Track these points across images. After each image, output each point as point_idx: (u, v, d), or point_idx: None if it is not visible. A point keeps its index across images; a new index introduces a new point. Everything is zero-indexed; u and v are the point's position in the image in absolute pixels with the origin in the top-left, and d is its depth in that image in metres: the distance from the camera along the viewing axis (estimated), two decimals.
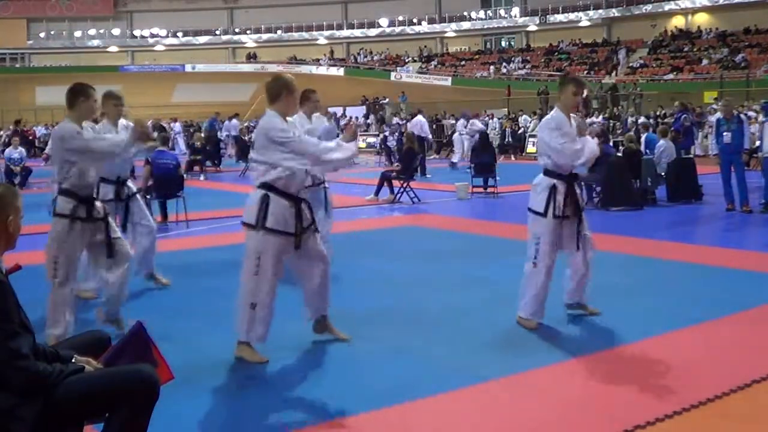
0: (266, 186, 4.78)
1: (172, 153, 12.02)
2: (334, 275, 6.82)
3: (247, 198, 4.92)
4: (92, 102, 5.40)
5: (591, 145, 5.53)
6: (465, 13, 53.85)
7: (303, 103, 7.06)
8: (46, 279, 5.13)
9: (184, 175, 13.05)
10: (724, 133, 11.50)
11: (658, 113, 27.34)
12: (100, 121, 6.35)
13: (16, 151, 17.88)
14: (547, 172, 5.58)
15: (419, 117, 20.27)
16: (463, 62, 50.79)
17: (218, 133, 24.05)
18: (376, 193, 13.71)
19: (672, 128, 18.18)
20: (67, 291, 5.16)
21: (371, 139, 31.06)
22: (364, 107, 39.68)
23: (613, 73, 41.69)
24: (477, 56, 51.36)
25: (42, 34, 59.88)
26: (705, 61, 38.00)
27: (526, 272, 5.60)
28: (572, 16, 48.65)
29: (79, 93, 5.32)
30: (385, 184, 13.72)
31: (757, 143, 12.38)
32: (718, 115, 13.13)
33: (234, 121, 27.38)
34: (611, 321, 5.63)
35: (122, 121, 6.45)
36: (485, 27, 53.27)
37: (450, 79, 48.10)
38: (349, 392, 4.31)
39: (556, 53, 47.06)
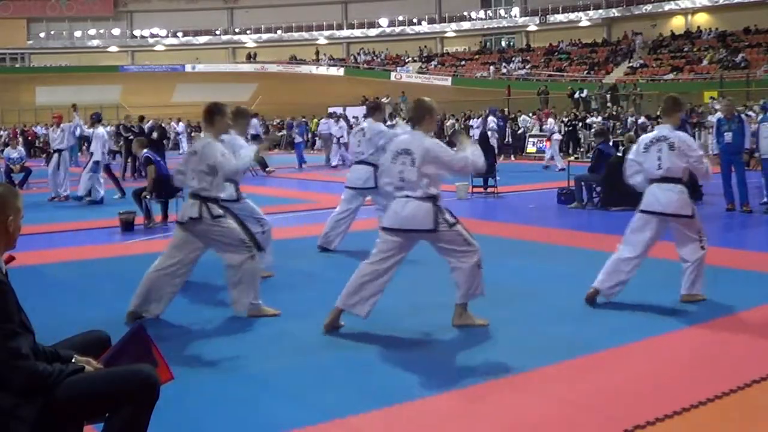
0: (433, 198, 5.40)
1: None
2: (334, 275, 6.84)
3: (406, 208, 5.38)
4: (227, 119, 5.99)
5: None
6: (465, 13, 53.86)
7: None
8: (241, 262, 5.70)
9: None
10: (725, 133, 11.49)
11: (658, 113, 27.31)
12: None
13: (15, 151, 17.88)
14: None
15: None
16: (463, 62, 50.79)
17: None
18: None
19: None
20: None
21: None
22: (364, 107, 39.67)
23: (627, 62, 41.82)
24: (477, 56, 51.36)
25: (42, 34, 59.89)
26: (705, 62, 38.04)
27: (699, 258, 6.12)
28: (572, 16, 48.65)
29: (216, 111, 5.83)
30: None
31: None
32: (719, 114, 13.12)
33: (254, 120, 27.31)
34: (611, 321, 5.63)
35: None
36: (485, 27, 53.27)
37: (450, 79, 48.11)
38: (349, 392, 4.31)
39: (556, 53, 47.06)
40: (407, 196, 5.38)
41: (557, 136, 22.03)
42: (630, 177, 6.45)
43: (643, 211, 6.24)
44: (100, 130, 14.65)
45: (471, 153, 5.49)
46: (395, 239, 5.49)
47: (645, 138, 6.41)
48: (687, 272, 6.14)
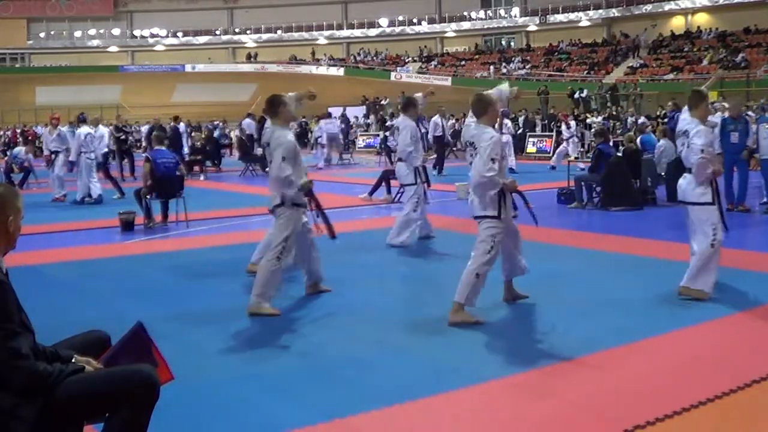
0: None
1: (172, 152, 12.04)
2: (334, 275, 6.85)
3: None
4: (290, 108, 6.32)
5: None
6: (465, 13, 53.86)
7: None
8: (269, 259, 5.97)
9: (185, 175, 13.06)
10: (731, 133, 11.48)
11: (658, 113, 27.33)
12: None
13: (25, 158, 17.85)
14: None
15: (436, 118, 20.19)
16: (462, 62, 50.80)
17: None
18: (371, 192, 13.69)
19: (667, 127, 18.14)
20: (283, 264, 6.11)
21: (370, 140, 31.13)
22: (364, 107, 39.68)
23: (632, 57, 41.82)
24: (477, 56, 51.36)
25: (42, 34, 59.90)
26: (705, 62, 38.04)
27: (705, 252, 6.10)
28: (572, 16, 48.65)
29: (279, 102, 6.22)
30: (383, 184, 13.71)
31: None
32: (719, 114, 13.11)
33: (248, 120, 27.40)
34: (611, 321, 5.63)
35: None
36: (485, 27, 53.28)
37: (450, 79, 48.09)
38: (350, 392, 4.31)
39: (556, 53, 47.06)
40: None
41: (575, 139, 22.02)
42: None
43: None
44: (84, 129, 14.73)
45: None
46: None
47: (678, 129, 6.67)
48: (691, 263, 6.21)
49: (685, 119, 6.38)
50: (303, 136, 30.03)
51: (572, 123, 24.19)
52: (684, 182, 6.33)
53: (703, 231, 6.16)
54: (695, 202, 6.22)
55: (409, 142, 8.84)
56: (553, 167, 20.04)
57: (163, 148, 11.33)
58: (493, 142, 5.58)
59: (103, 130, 15.78)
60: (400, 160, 9.12)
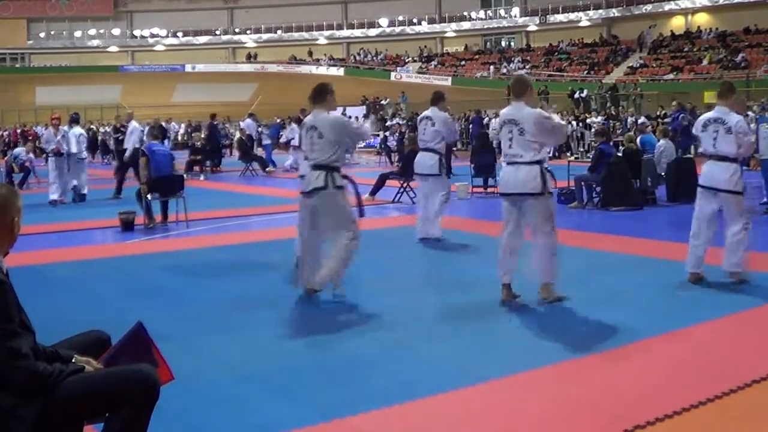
0: (539, 162, 5.99)
1: (165, 146, 12.46)
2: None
3: (516, 173, 5.99)
4: (334, 95, 6.55)
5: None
6: (465, 13, 53.85)
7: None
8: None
9: (184, 175, 13.07)
10: None
11: (658, 113, 27.34)
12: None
13: (27, 158, 17.77)
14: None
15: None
16: (462, 62, 50.79)
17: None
18: (372, 193, 13.70)
19: (670, 128, 18.13)
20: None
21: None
22: (364, 107, 39.69)
23: (638, 53, 41.86)
24: (477, 56, 51.36)
25: (42, 34, 59.88)
26: (705, 61, 38.04)
27: (739, 232, 6.58)
28: (572, 16, 48.64)
29: (326, 90, 6.48)
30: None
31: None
32: None
33: (249, 120, 27.49)
34: (611, 321, 5.63)
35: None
36: (485, 27, 53.27)
37: (450, 79, 48.07)
38: (350, 392, 4.31)
39: (556, 53, 47.06)
40: (516, 163, 5.97)
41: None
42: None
43: (701, 186, 6.70)
44: (77, 130, 14.73)
45: (558, 120, 6.29)
46: (505, 202, 6.17)
47: (702, 118, 6.93)
48: (726, 248, 6.57)
49: (719, 110, 6.62)
50: None
51: (572, 123, 24.24)
52: (717, 170, 6.53)
53: (735, 218, 6.56)
54: (731, 190, 6.50)
55: (455, 130, 9.31)
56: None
57: (157, 142, 11.59)
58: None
59: (136, 125, 15.43)
60: (428, 150, 9.19)
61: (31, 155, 18.11)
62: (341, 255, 6.27)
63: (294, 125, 24.07)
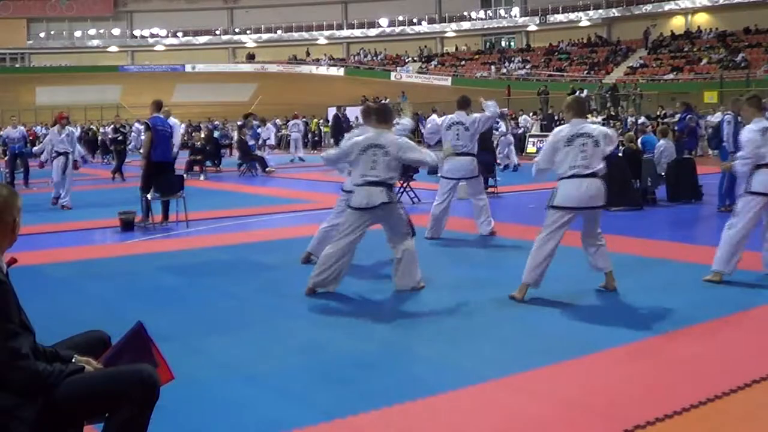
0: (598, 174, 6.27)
1: (171, 122, 12.69)
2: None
3: (585, 186, 6.17)
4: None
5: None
6: (465, 13, 53.87)
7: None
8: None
9: (184, 175, 13.06)
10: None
11: (658, 113, 27.33)
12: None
13: (16, 131, 16.98)
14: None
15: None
16: (463, 62, 50.80)
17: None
18: None
19: (676, 128, 18.07)
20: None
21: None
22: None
23: (646, 45, 41.79)
24: (477, 56, 51.37)
25: (42, 34, 59.91)
26: (704, 61, 38.03)
27: None
28: (572, 16, 48.67)
29: (392, 114, 7.10)
30: None
31: None
32: (719, 114, 13.10)
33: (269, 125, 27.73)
34: (611, 321, 5.63)
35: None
36: (485, 27, 53.29)
37: (450, 79, 48.11)
38: (349, 392, 4.31)
39: (556, 53, 47.07)
40: (583, 176, 6.14)
41: None
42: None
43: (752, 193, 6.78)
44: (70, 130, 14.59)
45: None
46: (567, 215, 6.26)
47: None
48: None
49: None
50: (305, 136, 30.14)
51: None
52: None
53: None
54: None
55: (486, 119, 9.67)
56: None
57: (161, 115, 11.51)
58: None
59: (175, 121, 14.37)
60: (467, 154, 9.50)
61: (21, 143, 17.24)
62: (414, 257, 6.66)
63: (270, 125, 24.79)
